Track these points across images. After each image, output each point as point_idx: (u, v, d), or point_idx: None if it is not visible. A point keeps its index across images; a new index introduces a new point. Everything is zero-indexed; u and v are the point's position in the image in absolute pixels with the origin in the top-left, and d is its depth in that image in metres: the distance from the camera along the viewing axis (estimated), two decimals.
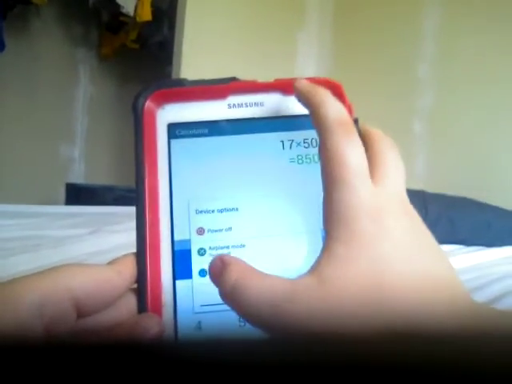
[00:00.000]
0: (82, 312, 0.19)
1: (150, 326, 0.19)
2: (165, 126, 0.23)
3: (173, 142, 0.23)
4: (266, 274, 0.17)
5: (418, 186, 1.03)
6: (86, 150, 2.02)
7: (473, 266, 0.74)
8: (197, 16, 1.49)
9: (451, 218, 0.92)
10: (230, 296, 0.17)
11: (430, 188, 1.10)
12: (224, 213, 0.22)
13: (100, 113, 2.04)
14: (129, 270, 0.20)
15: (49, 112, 1.85)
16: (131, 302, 0.21)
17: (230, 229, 0.22)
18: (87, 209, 1.05)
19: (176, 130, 0.23)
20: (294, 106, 0.23)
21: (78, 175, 1.99)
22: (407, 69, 1.49)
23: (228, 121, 0.23)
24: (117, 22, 1.74)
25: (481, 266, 0.75)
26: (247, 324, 0.18)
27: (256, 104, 0.23)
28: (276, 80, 0.24)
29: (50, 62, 1.84)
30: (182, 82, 0.23)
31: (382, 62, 1.56)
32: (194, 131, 0.23)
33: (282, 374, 0.08)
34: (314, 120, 0.20)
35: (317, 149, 0.21)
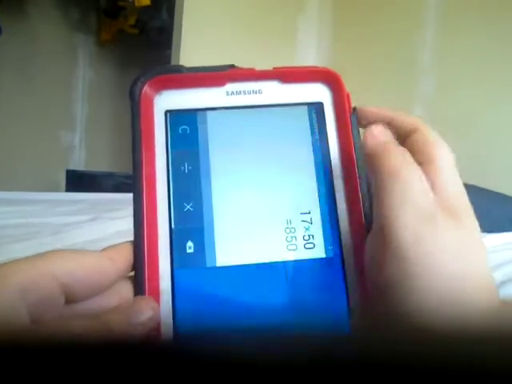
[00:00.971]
0: (70, 298, 0.19)
1: (145, 309, 0.19)
2: (162, 112, 0.23)
3: (170, 128, 0.23)
4: None
5: None
6: (86, 136, 2.01)
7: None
8: (196, 1, 1.47)
9: None
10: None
11: None
12: (222, 198, 0.22)
13: (100, 99, 2.02)
14: (123, 257, 0.20)
15: (48, 98, 1.84)
16: (126, 290, 0.20)
17: (229, 212, 0.22)
18: (87, 195, 1.05)
19: (173, 117, 0.23)
20: (291, 94, 0.23)
21: (79, 162, 1.99)
22: (408, 55, 1.47)
23: (226, 108, 0.23)
24: (115, 6, 1.72)
25: None
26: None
27: (254, 92, 0.23)
28: (274, 68, 0.24)
29: (48, 48, 1.82)
30: (179, 69, 0.23)
31: (382, 48, 1.54)
32: (192, 118, 0.23)
33: (281, 371, 0.08)
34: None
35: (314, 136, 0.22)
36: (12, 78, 1.74)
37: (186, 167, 0.22)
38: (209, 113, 0.23)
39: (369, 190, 0.22)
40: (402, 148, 0.20)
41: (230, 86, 0.23)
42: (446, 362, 0.09)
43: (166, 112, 0.23)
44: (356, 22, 1.66)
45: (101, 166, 1.93)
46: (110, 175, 1.39)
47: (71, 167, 1.86)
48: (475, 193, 1.01)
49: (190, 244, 0.21)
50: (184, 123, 0.23)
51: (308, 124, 0.23)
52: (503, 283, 0.56)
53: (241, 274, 0.21)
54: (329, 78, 0.23)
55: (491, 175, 1.22)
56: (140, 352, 0.09)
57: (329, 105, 0.24)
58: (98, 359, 0.09)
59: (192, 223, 0.22)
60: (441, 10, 1.41)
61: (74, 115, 1.98)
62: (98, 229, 0.66)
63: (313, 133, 0.23)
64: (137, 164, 0.21)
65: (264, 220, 0.22)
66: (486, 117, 1.29)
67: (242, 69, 0.24)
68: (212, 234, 0.22)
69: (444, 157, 0.20)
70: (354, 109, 0.23)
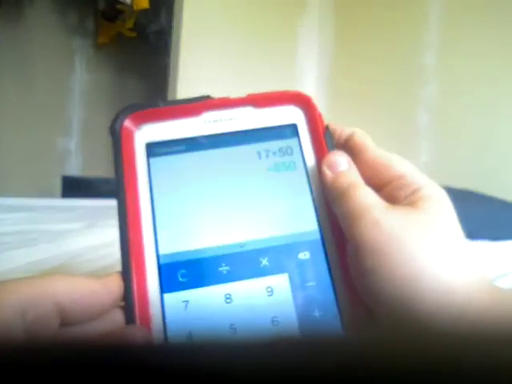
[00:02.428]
0: (65, 320, 0.19)
1: (138, 336, 0.19)
2: (143, 145, 0.24)
3: (151, 160, 0.24)
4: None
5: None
6: (82, 141, 2.00)
7: (478, 260, 0.73)
8: (195, 4, 1.46)
9: (456, 211, 0.91)
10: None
11: (435, 179, 1.08)
12: (206, 225, 0.23)
13: (97, 103, 2.01)
14: (116, 285, 0.21)
15: (44, 103, 1.82)
16: (118, 318, 0.21)
17: (213, 241, 0.23)
18: (84, 202, 1.05)
19: (154, 149, 0.24)
20: (266, 118, 0.25)
21: (75, 167, 1.97)
22: (411, 58, 1.47)
23: (204, 136, 0.24)
24: (113, 10, 1.71)
25: (486, 260, 0.74)
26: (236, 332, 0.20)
27: (230, 119, 0.25)
28: (248, 95, 0.25)
29: (45, 51, 1.81)
30: (156, 104, 0.24)
31: (385, 52, 1.54)
32: (172, 148, 0.24)
33: None
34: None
35: (292, 156, 0.24)
36: (9, 82, 1.73)
37: (170, 196, 0.23)
38: (187, 141, 0.24)
39: None
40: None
41: (207, 116, 0.25)
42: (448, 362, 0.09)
43: (147, 144, 0.24)
44: (357, 26, 1.65)
45: (97, 171, 1.92)
46: (106, 181, 1.38)
47: (67, 173, 1.85)
48: (480, 199, 1.00)
49: (181, 272, 0.22)
50: (164, 154, 0.24)
51: (283, 145, 0.25)
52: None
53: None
54: (300, 101, 0.25)
55: (497, 180, 1.21)
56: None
57: (303, 125, 0.25)
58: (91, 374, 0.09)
59: (179, 249, 0.22)
60: (444, 12, 1.41)
61: (71, 120, 1.96)
62: (95, 236, 0.66)
63: (288, 153, 0.24)
64: (120, 197, 0.22)
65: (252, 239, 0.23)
66: (490, 122, 1.29)
67: (217, 98, 0.25)
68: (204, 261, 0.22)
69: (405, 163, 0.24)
70: (327, 127, 0.24)
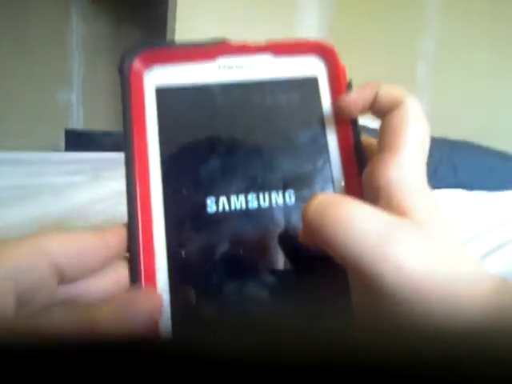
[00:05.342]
0: (64, 279, 0.18)
1: (143, 306, 0.18)
2: (153, 88, 0.22)
3: (160, 104, 0.22)
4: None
5: None
6: (83, 94, 1.98)
7: (474, 211, 0.74)
8: None
9: (453, 161, 0.91)
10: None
11: (434, 131, 1.08)
12: (218, 173, 0.22)
13: (95, 55, 1.97)
14: (116, 238, 0.20)
15: (42, 56, 1.79)
16: (123, 271, 0.20)
17: (226, 189, 0.22)
18: (87, 155, 1.05)
19: (164, 93, 0.22)
20: (284, 68, 0.23)
21: (77, 121, 1.96)
22: (411, 12, 1.42)
23: (218, 83, 0.23)
24: None
25: (482, 211, 0.75)
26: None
27: (246, 66, 0.23)
28: (267, 41, 0.23)
29: (40, 4, 1.76)
30: (170, 44, 0.23)
31: (385, 5, 1.49)
32: (182, 93, 0.23)
33: (280, 372, 0.08)
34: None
35: (310, 111, 0.23)
36: (5, 37, 1.69)
37: (178, 146, 0.22)
38: (199, 87, 0.23)
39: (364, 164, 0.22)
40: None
41: (222, 61, 0.23)
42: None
43: (157, 87, 0.22)
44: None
45: (100, 124, 1.91)
46: (108, 134, 1.38)
47: (69, 126, 1.85)
48: (477, 150, 1.01)
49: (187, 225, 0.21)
50: (174, 98, 0.22)
51: (301, 99, 0.23)
52: (505, 244, 0.56)
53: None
54: (323, 51, 0.23)
55: (494, 132, 1.20)
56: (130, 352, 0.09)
57: (324, 79, 0.23)
58: (82, 360, 0.09)
59: (186, 207, 0.22)
60: None
61: (71, 73, 1.93)
62: (99, 189, 0.66)
63: (307, 108, 0.23)
64: (128, 141, 0.21)
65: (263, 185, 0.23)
66: (489, 74, 1.26)
67: (233, 43, 0.23)
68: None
69: (410, 145, 0.19)
70: (350, 82, 0.23)
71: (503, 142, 1.11)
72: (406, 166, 0.19)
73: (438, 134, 1.19)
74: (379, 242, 0.16)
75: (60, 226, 0.47)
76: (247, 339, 0.09)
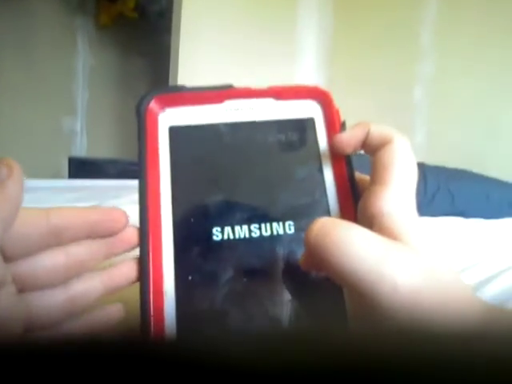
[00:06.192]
0: (6, 257, 0.18)
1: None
2: (166, 128, 0.24)
3: (173, 141, 0.24)
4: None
5: (417, 155, 1.04)
6: (87, 122, 2.01)
7: (471, 239, 0.74)
8: None
9: (450, 190, 0.93)
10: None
11: (430, 158, 1.10)
12: (224, 205, 0.24)
13: (100, 83, 2.02)
14: (60, 217, 0.21)
15: (48, 83, 1.83)
16: (71, 250, 0.21)
17: (231, 219, 0.23)
18: (90, 182, 1.06)
19: (176, 132, 0.24)
20: (285, 110, 0.25)
21: (81, 148, 1.99)
22: (408, 35, 1.46)
23: (225, 123, 0.25)
24: None
25: (479, 238, 0.75)
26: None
27: (251, 108, 0.25)
28: (269, 87, 0.26)
29: (48, 32, 1.81)
30: (181, 88, 0.25)
31: (383, 28, 1.53)
32: (193, 131, 0.25)
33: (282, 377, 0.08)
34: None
35: (308, 149, 0.25)
36: (12, 63, 1.73)
37: (188, 179, 0.24)
38: (209, 127, 0.25)
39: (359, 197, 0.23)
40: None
41: (229, 104, 0.25)
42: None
43: (170, 127, 0.24)
44: (356, 1, 1.64)
45: (104, 152, 1.94)
46: (112, 162, 1.40)
47: (73, 154, 1.87)
48: (474, 178, 1.02)
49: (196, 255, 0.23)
50: (186, 137, 0.24)
51: (300, 137, 0.25)
52: (502, 272, 0.56)
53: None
54: (319, 96, 0.25)
55: (490, 159, 1.22)
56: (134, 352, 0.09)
57: (320, 120, 0.25)
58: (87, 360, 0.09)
59: (194, 235, 0.23)
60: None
61: (76, 100, 1.97)
62: None
63: (305, 146, 0.25)
64: (142, 176, 0.23)
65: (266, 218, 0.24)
66: (485, 100, 1.29)
67: (239, 88, 0.25)
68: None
69: (399, 178, 0.21)
70: (344, 123, 0.25)
71: (499, 167, 1.12)
72: (395, 197, 0.21)
73: (434, 157, 1.22)
74: (377, 263, 0.18)
75: None
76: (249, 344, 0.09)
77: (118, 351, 0.08)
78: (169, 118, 0.24)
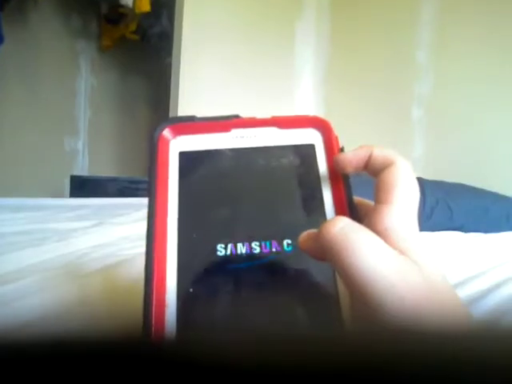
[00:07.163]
0: None
1: None
2: (177, 152, 0.27)
3: (182, 164, 0.26)
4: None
5: (416, 171, 1.05)
6: (89, 141, 2.03)
7: (470, 252, 0.75)
8: (195, 6, 1.48)
9: (449, 204, 0.93)
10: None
11: (428, 173, 1.11)
12: (228, 223, 0.25)
13: (102, 104, 2.05)
14: None
15: (51, 104, 1.86)
16: None
17: (234, 237, 0.25)
18: (91, 201, 1.06)
19: (186, 157, 0.26)
20: (287, 138, 0.28)
21: (82, 167, 2.01)
22: (405, 55, 1.49)
23: (231, 149, 0.27)
24: (116, 13, 1.74)
25: (478, 252, 0.76)
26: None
27: (255, 136, 0.27)
28: (272, 117, 0.28)
29: (50, 54, 1.85)
30: (193, 118, 0.27)
31: (380, 49, 1.56)
32: (201, 156, 0.27)
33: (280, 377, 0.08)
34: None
35: (308, 172, 0.26)
36: (15, 85, 1.76)
37: (194, 199, 0.26)
38: (216, 153, 0.27)
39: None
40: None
41: (235, 132, 0.27)
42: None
43: (180, 153, 0.26)
44: (353, 22, 1.67)
45: (104, 170, 1.95)
46: (113, 180, 1.41)
47: (75, 172, 1.88)
48: (472, 192, 1.01)
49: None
50: (195, 162, 0.27)
51: (301, 162, 0.27)
52: (502, 283, 0.57)
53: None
54: (319, 124, 0.28)
55: (488, 174, 1.23)
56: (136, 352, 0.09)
57: (320, 146, 0.27)
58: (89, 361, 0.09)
59: (198, 251, 0.24)
60: (438, 10, 1.42)
61: (78, 121, 2.00)
62: (103, 234, 0.67)
63: (306, 169, 0.27)
64: (151, 195, 0.25)
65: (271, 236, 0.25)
66: (482, 117, 1.30)
67: (244, 118, 0.28)
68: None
69: (401, 198, 0.23)
70: (342, 149, 0.27)
71: (497, 183, 1.13)
72: (399, 214, 0.23)
73: (433, 173, 1.23)
74: (390, 273, 0.19)
75: (65, 270, 0.48)
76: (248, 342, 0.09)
77: (117, 351, 0.08)
78: (179, 144, 0.27)
